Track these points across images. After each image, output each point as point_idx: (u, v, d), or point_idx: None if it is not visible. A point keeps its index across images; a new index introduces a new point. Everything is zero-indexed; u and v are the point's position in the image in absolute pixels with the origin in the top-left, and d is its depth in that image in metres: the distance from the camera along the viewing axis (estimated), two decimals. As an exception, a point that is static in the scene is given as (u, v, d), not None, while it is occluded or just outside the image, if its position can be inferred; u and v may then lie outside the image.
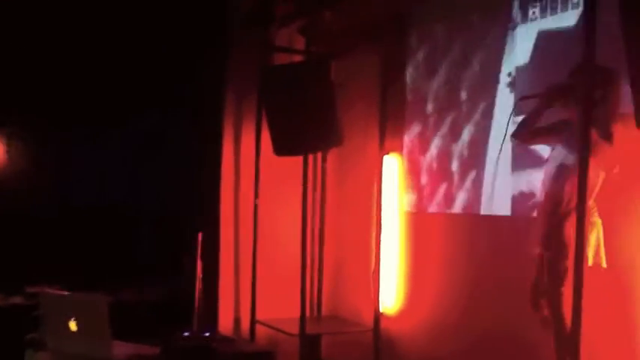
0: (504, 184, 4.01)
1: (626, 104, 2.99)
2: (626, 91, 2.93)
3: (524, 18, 4.00)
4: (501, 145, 3.59)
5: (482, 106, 4.25)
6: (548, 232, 3.39)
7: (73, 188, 5.47)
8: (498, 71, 4.14)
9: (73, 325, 3.33)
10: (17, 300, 4.65)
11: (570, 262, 3.25)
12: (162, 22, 5.02)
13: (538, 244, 3.45)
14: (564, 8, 3.74)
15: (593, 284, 3.25)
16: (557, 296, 3.35)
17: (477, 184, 4.22)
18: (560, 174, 3.37)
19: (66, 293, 3.48)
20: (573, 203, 3.16)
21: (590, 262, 3.27)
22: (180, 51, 5.07)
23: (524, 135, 3.62)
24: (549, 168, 3.47)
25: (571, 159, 3.27)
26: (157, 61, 5.16)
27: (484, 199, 4.15)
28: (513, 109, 3.65)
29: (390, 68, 4.86)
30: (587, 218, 3.02)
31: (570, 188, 3.24)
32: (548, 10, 3.84)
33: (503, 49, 4.11)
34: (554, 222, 3.38)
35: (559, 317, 3.35)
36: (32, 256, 4.92)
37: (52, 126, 5.26)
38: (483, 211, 4.18)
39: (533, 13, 3.93)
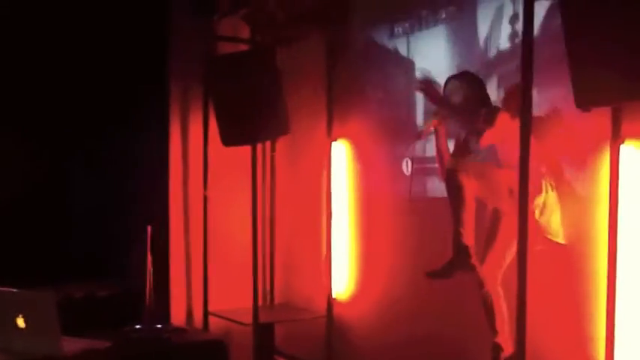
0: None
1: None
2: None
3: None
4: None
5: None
6: None
7: (15, 182, 5.35)
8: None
9: (21, 322, 3.28)
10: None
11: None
12: (100, 15, 4.94)
13: None
14: None
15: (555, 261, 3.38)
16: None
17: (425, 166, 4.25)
18: None
19: (13, 290, 3.41)
20: None
21: (560, 238, 3.39)
22: (121, 42, 5.00)
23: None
24: None
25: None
26: (96, 55, 5.08)
27: (432, 181, 4.19)
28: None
29: (336, 54, 4.87)
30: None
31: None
32: None
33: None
34: None
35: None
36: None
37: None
38: (432, 194, 4.22)
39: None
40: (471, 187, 3.48)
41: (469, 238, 3.50)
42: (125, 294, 4.76)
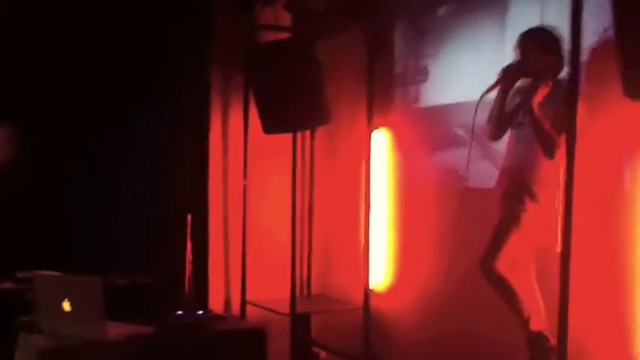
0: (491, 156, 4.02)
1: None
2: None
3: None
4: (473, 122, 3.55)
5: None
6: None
7: (64, 175, 5.39)
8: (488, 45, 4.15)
9: (67, 306, 3.33)
10: (8, 285, 4.60)
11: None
12: (142, 6, 4.96)
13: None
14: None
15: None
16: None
17: (465, 156, 4.22)
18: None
19: (60, 274, 3.46)
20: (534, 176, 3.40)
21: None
22: (163, 32, 5.02)
23: (494, 134, 3.69)
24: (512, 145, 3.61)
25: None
26: (138, 45, 5.10)
27: (473, 171, 4.15)
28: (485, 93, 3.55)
29: (377, 44, 4.85)
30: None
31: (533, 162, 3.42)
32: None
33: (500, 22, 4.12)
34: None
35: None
36: (23, 242, 4.85)
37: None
38: (472, 184, 4.19)
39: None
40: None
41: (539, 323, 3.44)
42: (166, 282, 4.78)
